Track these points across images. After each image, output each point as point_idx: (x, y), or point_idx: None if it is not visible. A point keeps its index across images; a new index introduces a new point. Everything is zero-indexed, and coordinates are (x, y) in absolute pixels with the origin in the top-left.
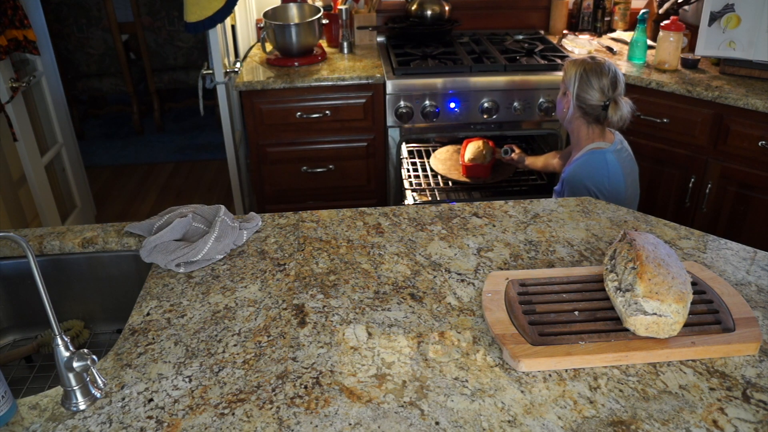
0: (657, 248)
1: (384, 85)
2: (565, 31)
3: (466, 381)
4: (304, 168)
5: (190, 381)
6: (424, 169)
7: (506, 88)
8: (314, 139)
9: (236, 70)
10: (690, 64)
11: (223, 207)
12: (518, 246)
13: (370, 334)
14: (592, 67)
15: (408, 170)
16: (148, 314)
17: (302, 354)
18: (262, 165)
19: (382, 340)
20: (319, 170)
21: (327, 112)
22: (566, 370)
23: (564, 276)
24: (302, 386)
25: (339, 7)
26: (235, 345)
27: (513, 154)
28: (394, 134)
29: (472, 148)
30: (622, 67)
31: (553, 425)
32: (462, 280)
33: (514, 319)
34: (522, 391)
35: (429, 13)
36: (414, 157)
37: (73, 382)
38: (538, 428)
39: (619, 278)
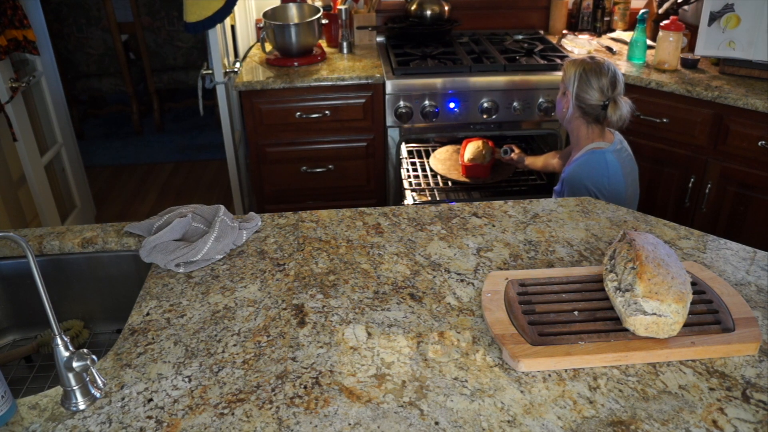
0: (657, 248)
1: (383, 85)
2: (564, 31)
3: (466, 381)
4: (304, 168)
5: (190, 381)
6: (423, 169)
7: (506, 88)
8: (314, 139)
9: (236, 70)
10: (690, 64)
11: (222, 207)
12: (518, 246)
13: (369, 334)
14: (591, 67)
15: (408, 170)
16: (147, 314)
17: (302, 354)
18: (262, 165)
19: (381, 340)
20: (318, 170)
21: (327, 112)
22: (566, 370)
23: (563, 276)
24: (302, 386)
25: (338, 7)
26: (234, 345)
27: (512, 154)
28: (393, 134)
29: (471, 148)
30: (622, 67)
31: (553, 425)
32: (461, 280)
33: (513, 319)
34: (521, 391)
35: (428, 13)
36: (414, 157)
37: (73, 382)
38: (538, 428)
39: (618, 278)
